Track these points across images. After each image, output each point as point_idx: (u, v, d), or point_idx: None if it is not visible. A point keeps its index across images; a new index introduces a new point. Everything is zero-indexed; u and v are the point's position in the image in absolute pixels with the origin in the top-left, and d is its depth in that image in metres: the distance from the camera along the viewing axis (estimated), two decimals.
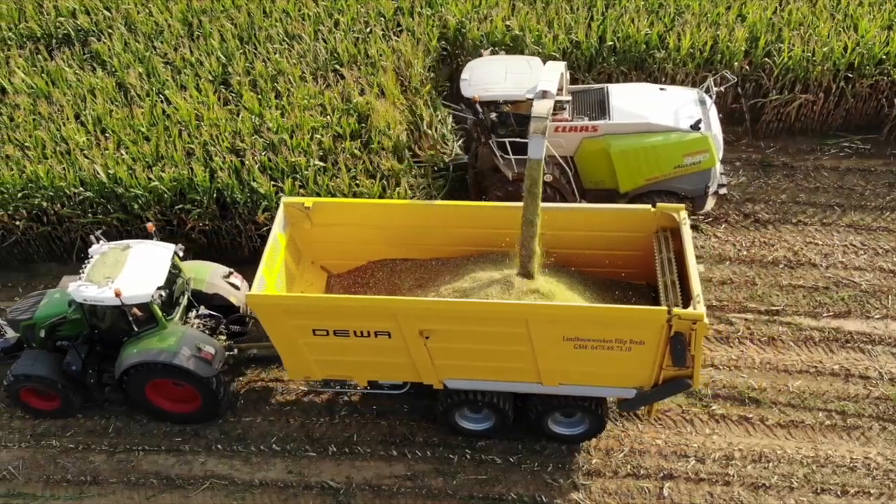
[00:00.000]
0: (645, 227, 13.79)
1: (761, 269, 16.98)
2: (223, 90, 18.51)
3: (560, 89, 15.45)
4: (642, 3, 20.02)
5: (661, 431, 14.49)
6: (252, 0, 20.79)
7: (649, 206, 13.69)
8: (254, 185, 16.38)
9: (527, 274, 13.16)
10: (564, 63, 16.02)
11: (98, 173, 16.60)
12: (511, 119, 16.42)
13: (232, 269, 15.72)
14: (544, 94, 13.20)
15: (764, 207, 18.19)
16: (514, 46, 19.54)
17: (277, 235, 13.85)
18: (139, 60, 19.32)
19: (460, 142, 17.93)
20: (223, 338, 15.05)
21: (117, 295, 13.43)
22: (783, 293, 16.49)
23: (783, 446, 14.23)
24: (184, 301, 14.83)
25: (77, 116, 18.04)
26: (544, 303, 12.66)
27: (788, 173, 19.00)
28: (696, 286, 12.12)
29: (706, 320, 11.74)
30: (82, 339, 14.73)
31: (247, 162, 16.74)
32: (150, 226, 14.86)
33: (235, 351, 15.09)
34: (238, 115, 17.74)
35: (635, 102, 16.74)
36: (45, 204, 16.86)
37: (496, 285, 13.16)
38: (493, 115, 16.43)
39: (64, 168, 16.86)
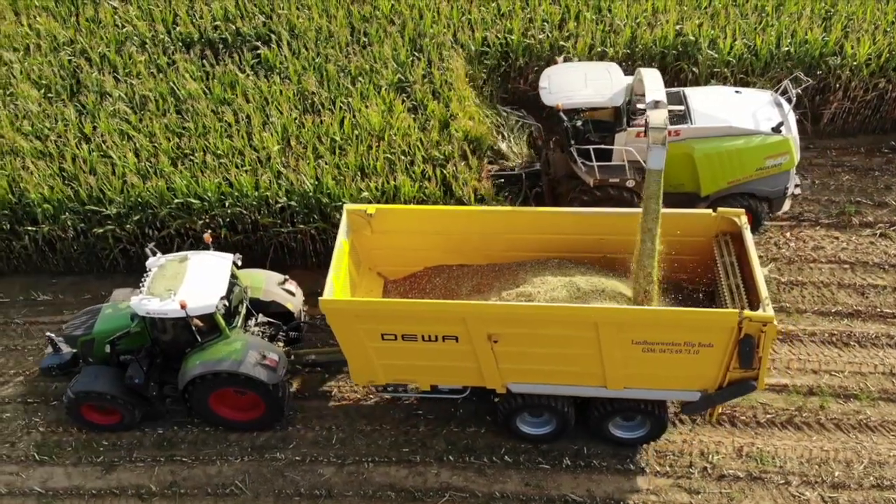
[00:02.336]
0: (705, 231, 13.86)
1: None
2: (405, 98, 18.42)
3: (642, 95, 15.16)
4: (809, 9, 19.99)
5: None
6: (410, 7, 20.60)
7: (710, 211, 13.80)
8: (458, 194, 16.36)
9: (644, 298, 13.12)
10: (656, 70, 15.67)
11: (304, 182, 16.52)
12: (589, 125, 16.33)
13: (287, 276, 15.72)
14: (657, 104, 13.06)
15: None
16: (683, 51, 19.54)
17: (342, 242, 13.89)
18: (312, 67, 19.17)
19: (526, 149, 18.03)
20: (281, 344, 15.09)
21: (183, 307, 13.38)
22: None
23: None
24: (243, 310, 14.79)
25: (264, 124, 17.92)
26: (614, 306, 12.73)
27: None
28: (762, 289, 12.25)
29: (776, 322, 11.91)
30: (144, 352, 14.65)
31: (447, 172, 16.70)
32: (207, 236, 14.78)
33: (293, 357, 15.17)
34: (428, 123, 17.66)
35: (715, 106, 16.64)
36: (244, 212, 16.78)
37: (561, 289, 13.22)
38: (579, 123, 16.32)
39: (268, 178, 16.75)
